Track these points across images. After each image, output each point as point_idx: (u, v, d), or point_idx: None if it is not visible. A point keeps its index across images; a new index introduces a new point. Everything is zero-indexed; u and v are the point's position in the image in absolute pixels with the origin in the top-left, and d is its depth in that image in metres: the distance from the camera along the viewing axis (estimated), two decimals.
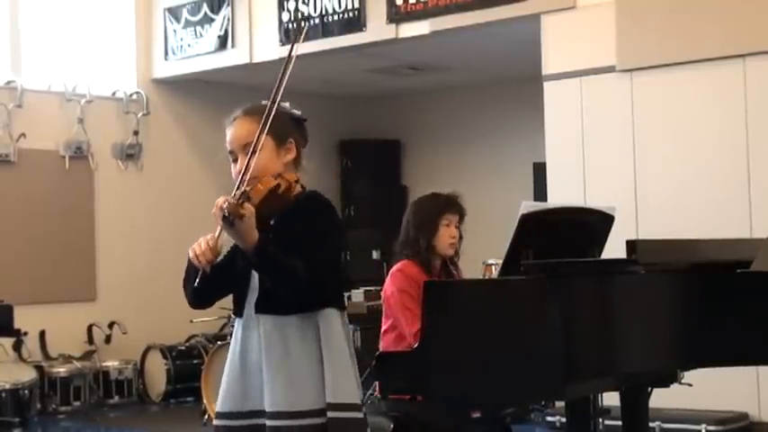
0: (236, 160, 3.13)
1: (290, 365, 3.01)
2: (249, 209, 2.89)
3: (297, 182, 3.10)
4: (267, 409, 3.02)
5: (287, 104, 3.24)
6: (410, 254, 4.67)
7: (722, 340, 4.06)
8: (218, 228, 2.95)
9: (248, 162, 3.01)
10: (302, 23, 2.96)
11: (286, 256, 2.95)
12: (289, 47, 3.16)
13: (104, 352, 9.45)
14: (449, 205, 4.75)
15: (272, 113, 3.02)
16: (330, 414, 2.99)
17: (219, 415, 3.13)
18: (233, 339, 3.18)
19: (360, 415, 3.06)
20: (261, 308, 3.07)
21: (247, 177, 3.00)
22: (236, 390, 3.10)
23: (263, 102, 3.16)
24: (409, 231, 4.71)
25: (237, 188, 2.98)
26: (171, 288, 10.68)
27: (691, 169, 7.16)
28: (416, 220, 4.71)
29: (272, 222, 3.06)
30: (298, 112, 3.25)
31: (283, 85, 3.10)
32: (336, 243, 3.11)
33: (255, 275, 3.08)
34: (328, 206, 3.13)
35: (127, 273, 9.80)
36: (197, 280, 3.00)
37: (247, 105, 3.21)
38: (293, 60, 3.15)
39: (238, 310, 3.15)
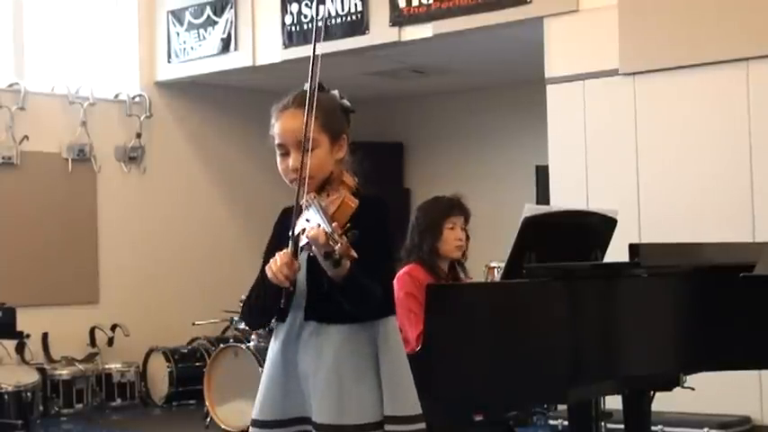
0: (285, 154, 2.92)
1: (341, 376, 2.82)
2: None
3: (355, 184, 2.93)
4: (315, 421, 2.83)
5: (336, 93, 3.02)
6: (416, 258, 4.68)
7: (725, 344, 4.06)
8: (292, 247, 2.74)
9: (303, 162, 2.80)
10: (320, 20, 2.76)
11: (366, 280, 2.75)
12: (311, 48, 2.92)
13: (107, 354, 9.44)
14: (452, 208, 4.76)
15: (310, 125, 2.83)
16: (389, 428, 2.80)
17: (257, 423, 2.93)
18: (272, 344, 2.96)
19: (421, 426, 2.87)
20: (312, 315, 2.86)
21: (306, 176, 2.79)
22: (276, 397, 2.91)
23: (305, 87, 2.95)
24: (414, 237, 4.71)
25: (298, 194, 2.77)
26: (173, 290, 10.73)
27: (693, 172, 7.16)
28: (420, 225, 4.71)
29: None
30: (348, 103, 3.02)
31: (315, 83, 2.89)
32: (392, 249, 2.94)
33: (302, 279, 2.86)
34: (388, 211, 2.92)
35: (129, 275, 9.80)
36: (281, 300, 2.80)
37: (298, 93, 2.95)
38: (319, 59, 2.94)
39: (281, 315, 2.92)
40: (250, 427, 2.97)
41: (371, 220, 2.82)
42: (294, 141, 2.88)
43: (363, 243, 2.68)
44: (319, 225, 2.63)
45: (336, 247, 2.58)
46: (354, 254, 2.60)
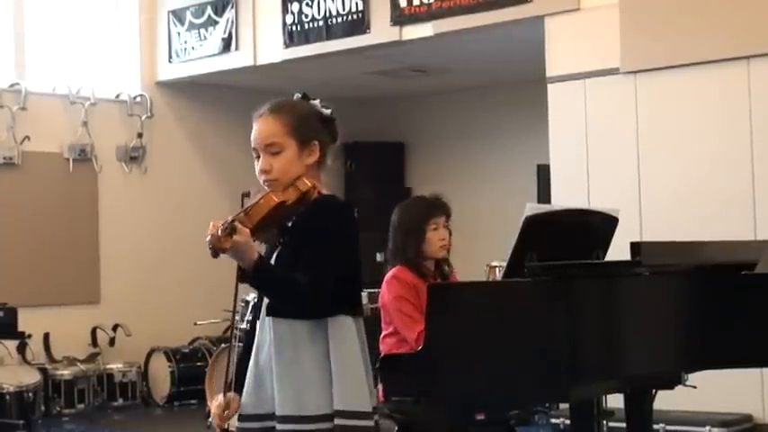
0: (258, 158, 3.09)
1: (298, 369, 2.97)
2: (238, 239, 2.84)
3: (314, 187, 3.03)
4: (276, 413, 2.99)
5: (317, 102, 3.16)
6: (401, 260, 4.67)
7: (726, 342, 4.05)
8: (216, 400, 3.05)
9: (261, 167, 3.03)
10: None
11: (285, 273, 2.93)
12: None
13: (108, 354, 9.45)
14: (433, 208, 4.73)
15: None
16: (337, 421, 2.95)
17: (241, 417, 3.10)
18: (255, 341, 3.14)
19: (369, 423, 3.00)
20: (271, 311, 3.02)
21: (260, 185, 3.01)
22: (251, 392, 3.07)
23: (296, 95, 3.13)
24: (397, 240, 4.71)
25: (242, 203, 2.98)
26: (175, 290, 10.74)
27: (695, 171, 7.16)
28: (402, 228, 4.70)
29: (289, 225, 3.03)
30: (327, 112, 3.16)
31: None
32: (347, 251, 3.02)
33: None
34: (340, 212, 3.06)
35: (131, 275, 9.80)
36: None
37: (275, 101, 3.12)
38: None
39: (257, 312, 3.12)
40: (236, 422, 3.12)
41: (315, 221, 3.00)
42: (261, 145, 3.07)
43: (299, 241, 2.96)
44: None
45: (207, 239, 2.83)
46: (227, 245, 2.82)
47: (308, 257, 2.94)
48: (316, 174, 3.09)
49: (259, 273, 2.91)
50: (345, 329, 3.01)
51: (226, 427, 3.04)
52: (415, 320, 4.36)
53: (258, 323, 3.10)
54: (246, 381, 3.10)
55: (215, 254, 2.85)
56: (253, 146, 3.11)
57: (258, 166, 3.09)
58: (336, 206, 3.08)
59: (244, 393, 3.10)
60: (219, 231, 2.83)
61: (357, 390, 2.99)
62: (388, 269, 4.70)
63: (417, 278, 4.60)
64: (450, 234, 4.76)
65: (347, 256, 3.02)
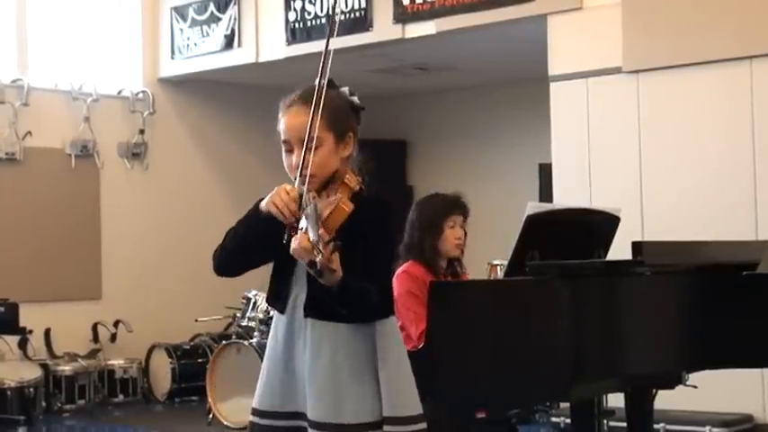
0: (290, 150, 2.89)
1: (338, 375, 2.82)
2: (337, 259, 2.63)
3: (359, 184, 2.91)
4: (311, 418, 2.84)
5: (346, 90, 3.01)
6: (415, 256, 4.66)
7: (727, 342, 4.06)
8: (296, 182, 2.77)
9: (304, 161, 2.80)
10: (337, 9, 2.79)
11: (363, 286, 2.76)
12: (325, 40, 2.95)
13: (109, 350, 9.45)
14: (453, 206, 4.73)
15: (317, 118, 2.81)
16: (387, 428, 2.81)
17: (257, 412, 2.96)
18: (272, 335, 2.98)
19: (422, 427, 2.87)
20: (311, 312, 2.87)
21: (307, 176, 2.78)
22: (277, 389, 2.93)
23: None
24: (414, 235, 4.69)
25: (301, 191, 2.76)
26: (176, 287, 10.74)
27: (697, 170, 7.15)
28: (421, 223, 4.69)
29: None
30: (356, 100, 3.03)
31: (325, 80, 2.88)
32: (393, 253, 2.98)
33: (305, 274, 2.84)
34: (391, 213, 2.95)
35: (132, 271, 9.81)
36: (285, 235, 2.72)
37: (305, 89, 2.93)
38: (331, 54, 2.91)
39: (281, 306, 2.94)
40: (250, 415, 3.00)
41: (371, 222, 2.84)
42: (297, 139, 2.87)
43: (362, 245, 2.73)
44: (306, 232, 2.63)
45: (317, 259, 2.59)
46: (335, 266, 2.62)
47: (372, 262, 2.79)
48: (348, 167, 2.95)
49: (345, 288, 2.71)
50: (393, 329, 2.91)
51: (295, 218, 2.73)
52: (420, 317, 4.35)
53: (285, 319, 2.95)
54: (270, 375, 2.95)
55: (320, 274, 2.62)
56: (284, 138, 2.91)
57: (292, 159, 2.89)
58: (387, 207, 2.95)
59: (264, 388, 2.96)
60: (324, 250, 2.59)
61: (408, 392, 2.88)
62: (400, 264, 4.69)
63: (428, 274, 4.58)
64: (466, 235, 4.76)
65: (393, 259, 2.98)
